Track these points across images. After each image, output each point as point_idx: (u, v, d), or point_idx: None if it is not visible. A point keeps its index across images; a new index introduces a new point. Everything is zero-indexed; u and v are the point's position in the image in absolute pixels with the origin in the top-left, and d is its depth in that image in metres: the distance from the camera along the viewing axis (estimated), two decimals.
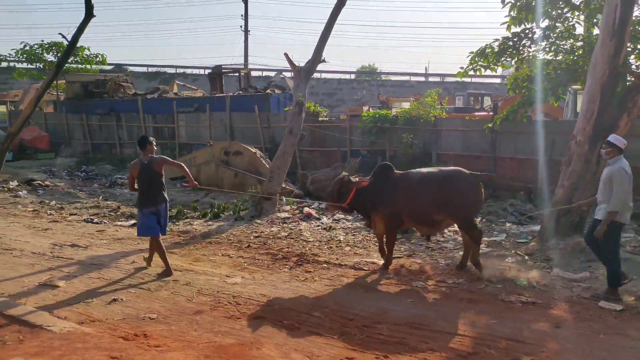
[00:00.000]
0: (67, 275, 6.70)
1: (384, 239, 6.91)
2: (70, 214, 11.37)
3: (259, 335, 4.71)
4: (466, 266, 6.69)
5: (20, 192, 13.91)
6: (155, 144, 6.86)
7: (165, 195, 6.88)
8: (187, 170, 6.88)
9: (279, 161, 11.40)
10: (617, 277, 5.57)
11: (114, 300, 5.70)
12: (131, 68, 41.61)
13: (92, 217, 11.06)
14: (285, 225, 9.89)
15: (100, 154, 21.36)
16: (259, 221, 10.16)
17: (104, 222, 10.59)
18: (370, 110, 19.21)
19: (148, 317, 5.15)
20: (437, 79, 42.61)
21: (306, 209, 10.92)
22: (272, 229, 9.57)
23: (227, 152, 14.36)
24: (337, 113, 28.66)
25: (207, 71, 31.93)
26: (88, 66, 23.98)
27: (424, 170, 6.92)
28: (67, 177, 17.03)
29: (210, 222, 10.27)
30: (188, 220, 10.54)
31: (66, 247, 8.26)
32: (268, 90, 19.97)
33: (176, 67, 43.75)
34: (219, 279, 6.52)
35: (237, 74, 23.57)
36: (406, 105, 20.61)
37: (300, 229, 9.49)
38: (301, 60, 11.89)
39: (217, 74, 22.51)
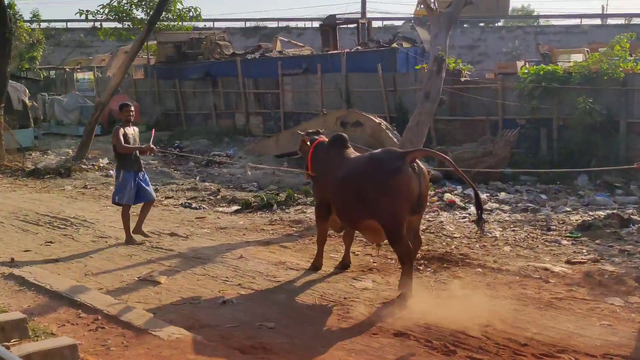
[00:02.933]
0: (169, 270, 7.09)
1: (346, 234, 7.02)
2: (166, 197, 12.13)
3: (403, 357, 4.59)
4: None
5: (111, 171, 15.13)
6: (131, 111, 8.36)
7: (119, 164, 8.53)
8: (125, 144, 8.20)
9: (411, 134, 11.20)
10: None
11: (224, 302, 5.91)
12: (227, 24, 43.40)
13: (189, 201, 11.70)
14: None
15: (194, 126, 22.57)
16: None
17: (203, 208, 11.15)
18: (528, 65, 18.19)
19: (265, 326, 5.26)
20: (621, 21, 39.19)
21: (448, 196, 10.61)
22: None
23: (344, 123, 14.44)
24: (480, 71, 27.56)
25: (316, 24, 32.30)
26: (181, 23, 25.30)
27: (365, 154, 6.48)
28: (159, 154, 18.24)
29: None
30: (300, 207, 10.74)
31: (164, 236, 8.78)
32: (394, 44, 19.67)
33: (279, 19, 44.90)
34: (345, 282, 6.52)
35: (355, 25, 23.52)
36: (578, 57, 19.19)
37: (442, 222, 9.31)
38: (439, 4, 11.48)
39: (329, 27, 22.61)
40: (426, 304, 5.66)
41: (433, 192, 11.16)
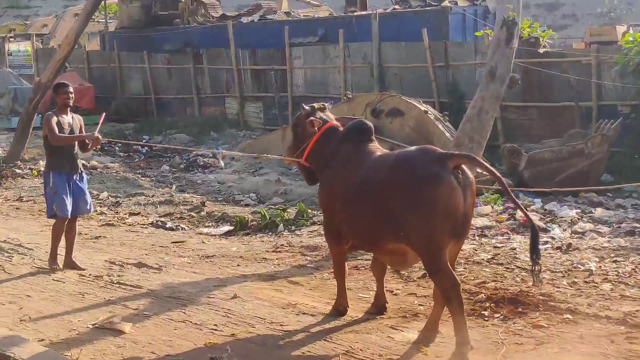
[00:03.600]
0: (135, 315, 7.08)
1: None
2: (131, 214, 12.23)
3: None
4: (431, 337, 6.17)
5: None
6: (69, 92, 8.65)
7: (47, 164, 8.94)
8: (59, 134, 8.40)
9: (471, 126, 11.19)
10: None
11: (212, 359, 5.86)
12: None
13: (163, 219, 11.77)
14: (484, 240, 9.69)
15: (169, 115, 22.69)
16: None
17: (182, 228, 11.21)
18: (633, 31, 18.04)
19: None
20: None
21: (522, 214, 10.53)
22: (463, 246, 9.37)
23: (377, 111, 14.46)
24: (566, 39, 27.44)
25: None
26: None
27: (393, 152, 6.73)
28: (121, 154, 18.34)
29: None
30: (316, 228, 10.73)
31: (129, 268, 8.82)
32: (445, 2, 19.65)
33: None
34: (379, 333, 6.48)
35: None
36: None
37: (514, 248, 9.23)
38: None
39: None
40: None
41: (503, 208, 11.09)
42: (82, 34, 19.83)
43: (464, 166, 5.91)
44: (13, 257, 9.32)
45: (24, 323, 6.87)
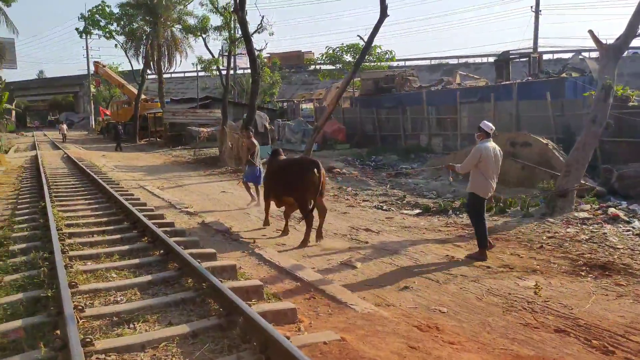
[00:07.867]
0: (363, 258, 7.24)
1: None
2: (363, 200, 12.43)
3: (563, 352, 4.18)
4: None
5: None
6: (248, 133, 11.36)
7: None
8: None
9: (578, 154, 10.13)
10: (483, 240, 6.97)
11: (405, 287, 5.89)
12: (415, 62, 43.33)
13: (381, 204, 11.88)
14: (584, 227, 8.76)
15: (387, 144, 22.89)
16: (551, 220, 9.23)
17: (392, 210, 11.24)
18: None
19: (438, 310, 5.16)
20: None
21: (612, 210, 9.39)
22: (569, 230, 8.56)
23: (514, 143, 13.60)
24: None
25: (491, 59, 30.71)
26: (379, 63, 25.91)
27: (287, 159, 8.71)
28: (359, 166, 18.77)
29: (495, 217, 9.84)
30: None
31: (361, 231, 8.98)
32: (563, 74, 17.97)
33: (459, 57, 43.64)
34: (510, 281, 6.12)
35: (527, 59, 21.97)
36: None
37: (604, 233, 8.27)
38: (607, 37, 10.29)
39: (503, 61, 21.49)
40: (586, 305, 5.10)
41: (597, 207, 9.98)
42: (340, 98, 20.57)
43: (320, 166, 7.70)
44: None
45: (304, 258, 7.23)
